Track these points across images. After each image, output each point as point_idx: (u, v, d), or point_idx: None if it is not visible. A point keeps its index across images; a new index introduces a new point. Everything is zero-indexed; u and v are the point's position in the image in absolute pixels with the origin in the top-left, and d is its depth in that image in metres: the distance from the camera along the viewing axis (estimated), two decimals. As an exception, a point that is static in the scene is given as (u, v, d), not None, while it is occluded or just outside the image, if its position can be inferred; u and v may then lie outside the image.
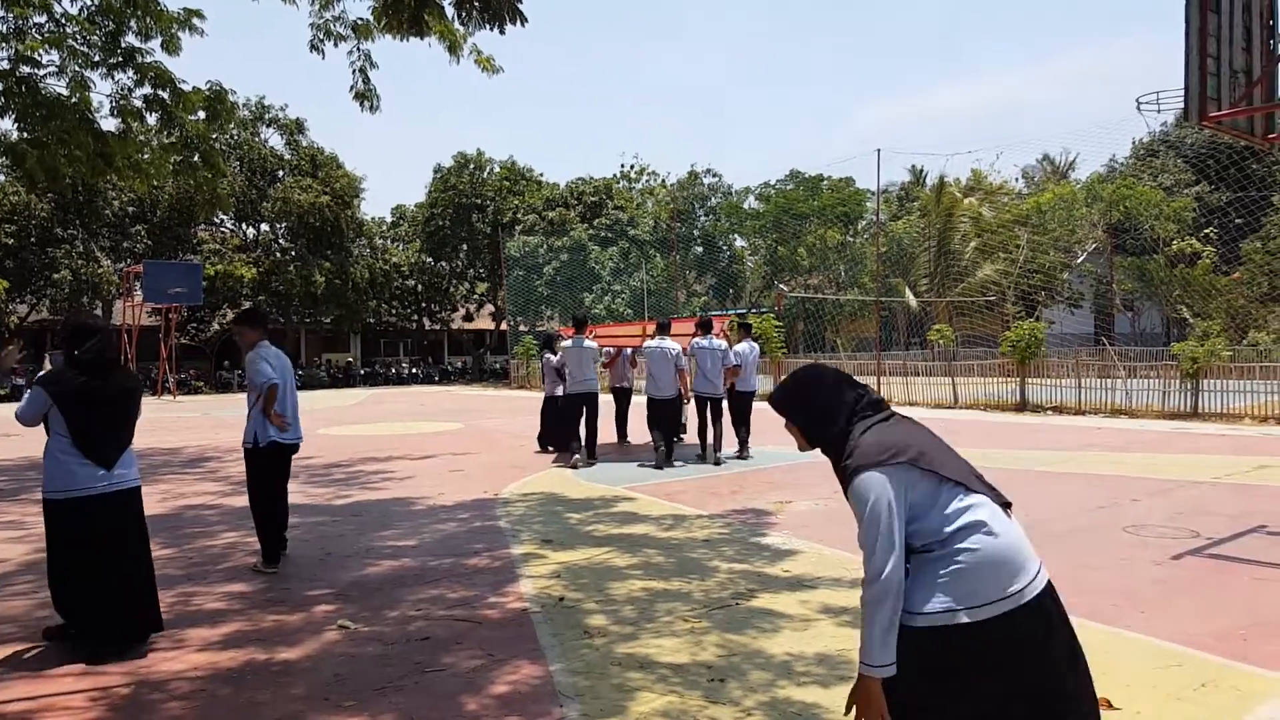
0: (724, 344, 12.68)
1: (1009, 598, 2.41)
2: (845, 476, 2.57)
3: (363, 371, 45.91)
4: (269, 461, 6.80)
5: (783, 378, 2.83)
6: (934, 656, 2.40)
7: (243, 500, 8.49)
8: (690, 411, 12.60)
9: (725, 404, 12.66)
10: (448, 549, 7.21)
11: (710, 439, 12.39)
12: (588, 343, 12.66)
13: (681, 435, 12.45)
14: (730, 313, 35.99)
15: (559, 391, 13.80)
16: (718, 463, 12.17)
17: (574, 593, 5.79)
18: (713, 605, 5.44)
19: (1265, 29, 7.48)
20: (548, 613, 5.37)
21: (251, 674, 4.48)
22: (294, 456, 7.19)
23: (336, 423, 20.93)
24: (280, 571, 6.61)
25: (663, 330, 12.67)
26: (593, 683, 4.23)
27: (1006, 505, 2.60)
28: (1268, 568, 6.10)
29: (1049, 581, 2.53)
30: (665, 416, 12.20)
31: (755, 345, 13.39)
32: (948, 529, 2.47)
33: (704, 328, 12.70)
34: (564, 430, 13.09)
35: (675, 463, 12.18)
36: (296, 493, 9.53)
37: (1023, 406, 19.59)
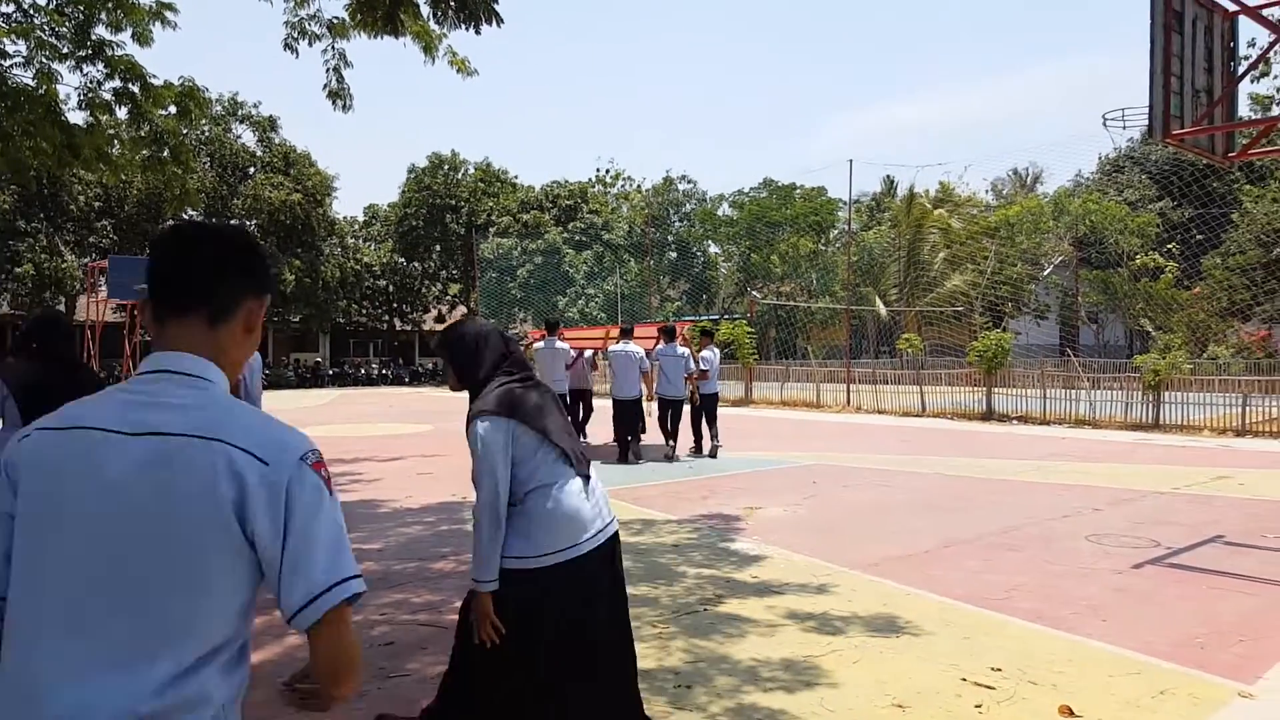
0: (686, 351, 13.41)
1: (569, 549, 3.03)
2: (470, 418, 3.09)
3: (331, 372, 45.49)
4: None
5: (450, 326, 3.38)
6: (515, 593, 3.00)
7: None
8: (653, 410, 13.31)
9: (685, 407, 13.50)
10: (413, 553, 7.17)
11: (665, 438, 13.20)
12: (559, 344, 13.10)
13: (642, 432, 13.06)
14: (703, 319, 36.11)
15: None
16: (670, 459, 12.95)
17: (541, 596, 5.78)
18: (680, 611, 5.46)
19: (1225, 51, 7.63)
20: (514, 616, 5.35)
21: (213, 676, 4.43)
22: None
23: (303, 424, 20.64)
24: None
25: (626, 335, 13.39)
26: (558, 687, 4.22)
27: (587, 477, 3.18)
28: (1225, 577, 6.21)
29: (612, 539, 3.20)
30: (629, 416, 12.83)
31: (717, 351, 14.21)
32: (530, 485, 3.05)
33: (667, 335, 13.56)
34: None
35: (640, 461, 12.80)
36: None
37: (989, 415, 19.78)
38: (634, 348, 12.94)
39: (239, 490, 1.38)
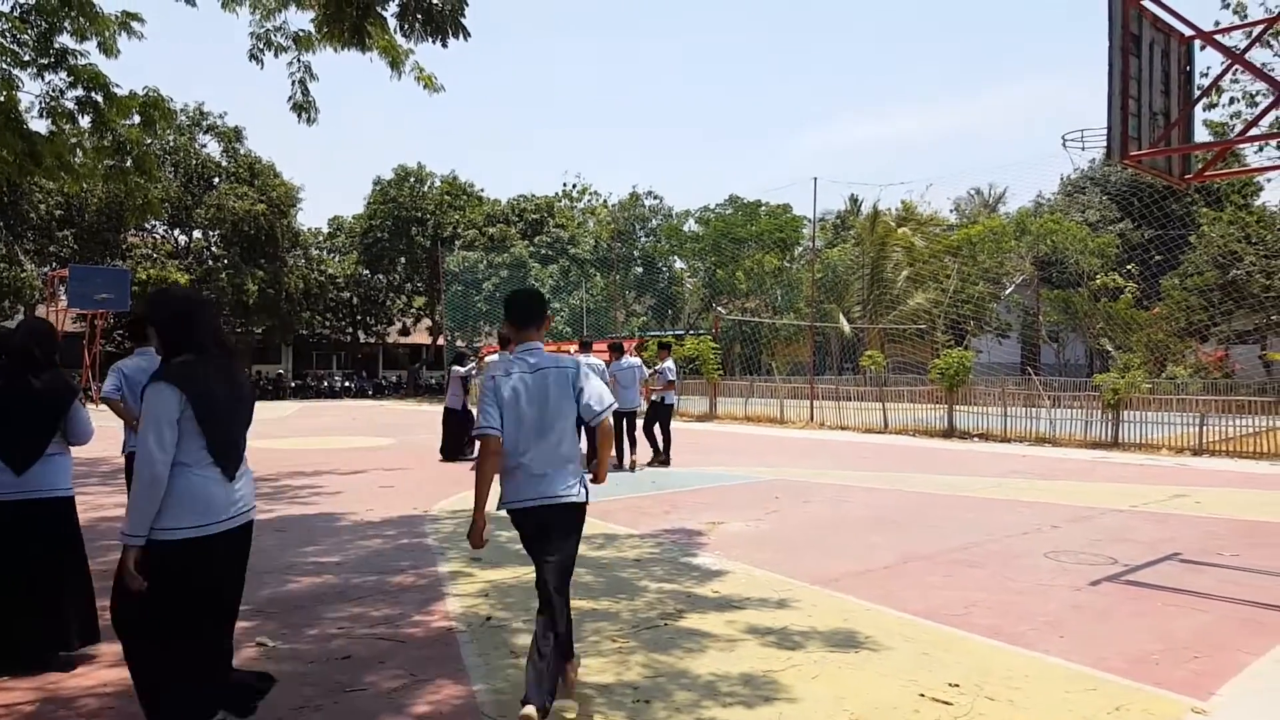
0: (638, 361, 14.44)
1: (203, 526, 3.42)
2: (151, 379, 3.48)
3: (294, 384, 45.01)
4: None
5: (159, 292, 3.84)
6: (155, 564, 3.35)
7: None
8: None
9: (640, 419, 14.28)
10: (373, 566, 7.10)
11: (625, 449, 13.74)
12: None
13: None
14: (668, 334, 36.18)
15: (458, 405, 15.10)
16: (631, 469, 13.54)
17: (501, 612, 5.74)
18: (640, 625, 5.44)
19: (1182, 74, 7.79)
20: (474, 632, 5.32)
21: (164, 692, 4.35)
22: None
23: (264, 436, 20.48)
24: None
25: (585, 348, 14.20)
26: (516, 703, 4.17)
27: (227, 469, 3.55)
28: (1181, 594, 6.29)
29: (248, 524, 3.68)
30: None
31: (672, 363, 15.22)
32: (176, 459, 3.39)
33: (617, 351, 14.50)
34: (464, 439, 14.70)
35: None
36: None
37: (950, 433, 19.95)
38: (594, 360, 13.52)
39: (573, 376, 4.21)
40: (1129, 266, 35.38)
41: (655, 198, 50.08)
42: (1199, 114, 8.06)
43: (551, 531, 4.14)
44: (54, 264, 37.29)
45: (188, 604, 3.46)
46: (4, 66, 11.19)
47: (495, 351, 14.06)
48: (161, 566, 3.36)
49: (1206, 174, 9.21)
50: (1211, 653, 5.03)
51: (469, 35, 8.63)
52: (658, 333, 39.99)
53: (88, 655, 4.86)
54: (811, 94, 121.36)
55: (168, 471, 3.36)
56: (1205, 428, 16.77)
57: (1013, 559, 7.41)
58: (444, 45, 8.65)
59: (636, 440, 13.96)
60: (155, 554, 3.35)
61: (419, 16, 8.50)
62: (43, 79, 11.44)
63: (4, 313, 36.34)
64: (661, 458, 14.17)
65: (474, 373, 15.89)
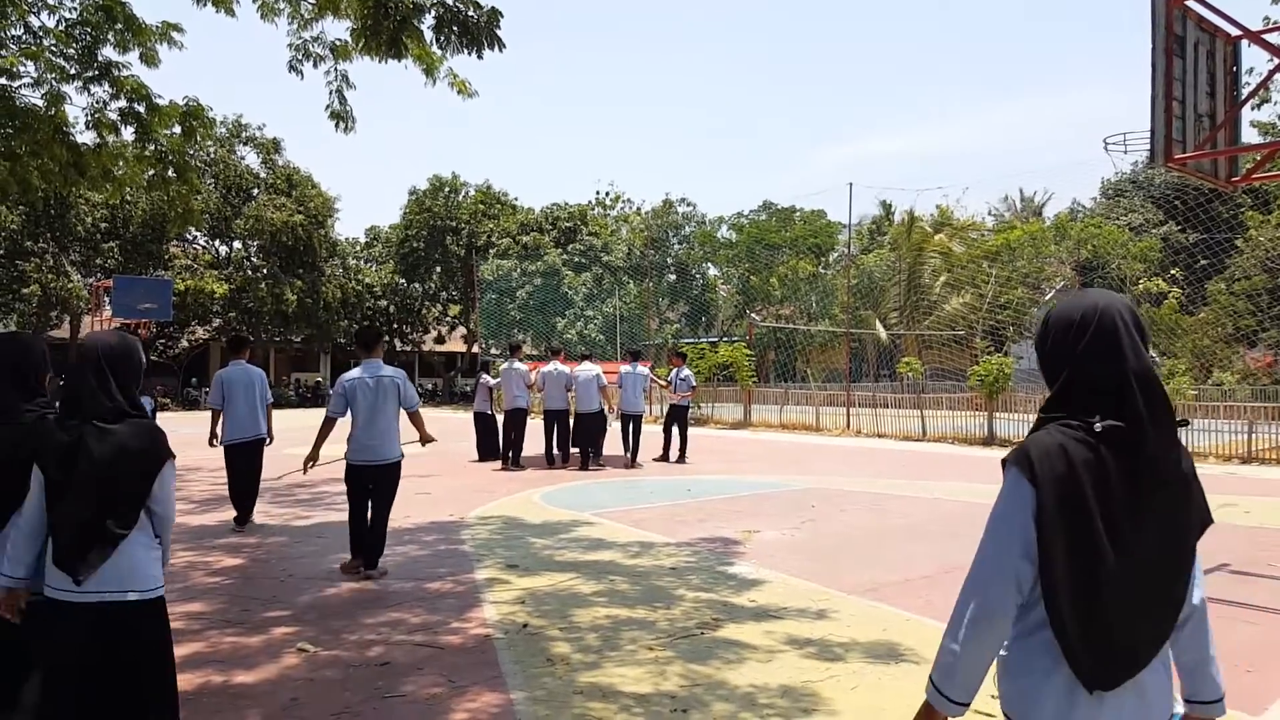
0: (646, 370, 16.09)
1: None
2: None
3: (332, 391, 45.35)
4: None
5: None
6: None
7: (200, 519, 8.49)
8: (613, 423, 15.63)
9: (645, 424, 15.71)
10: (410, 573, 7.13)
11: (630, 449, 15.10)
12: (518, 365, 15.00)
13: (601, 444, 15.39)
14: (702, 341, 36.21)
15: (487, 409, 16.24)
16: (630, 466, 14.87)
17: (538, 619, 5.74)
18: (677, 634, 5.40)
19: (1228, 75, 7.64)
20: (510, 639, 5.31)
21: (207, 696, 4.40)
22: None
23: (302, 443, 20.62)
24: (238, 594, 6.50)
25: (585, 358, 15.76)
26: (554, 712, 4.17)
27: None
28: (1231, 606, 6.15)
29: None
30: (591, 427, 14.88)
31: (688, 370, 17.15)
32: None
33: (633, 356, 16.10)
34: (494, 441, 15.82)
35: (603, 467, 14.79)
36: (258, 513, 9.41)
37: (991, 440, 19.71)
38: (593, 367, 15.07)
39: (565, 375, 14.52)
40: (1173, 271, 34.78)
41: (688, 205, 49.99)
42: (1246, 114, 7.87)
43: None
44: (99, 275, 37.97)
45: None
46: (52, 81, 11.42)
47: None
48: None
49: (1254, 176, 9.00)
50: (1264, 666, 4.91)
51: (504, 46, 8.67)
52: (691, 340, 39.93)
53: None
54: (838, 107, 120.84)
55: None
56: (1254, 435, 16.43)
57: (1055, 569, 7.27)
58: (479, 57, 8.71)
59: (639, 444, 15.15)
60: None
61: (454, 28, 8.56)
62: (88, 92, 11.65)
63: (51, 322, 37.07)
64: (671, 456, 15.76)
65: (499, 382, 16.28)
